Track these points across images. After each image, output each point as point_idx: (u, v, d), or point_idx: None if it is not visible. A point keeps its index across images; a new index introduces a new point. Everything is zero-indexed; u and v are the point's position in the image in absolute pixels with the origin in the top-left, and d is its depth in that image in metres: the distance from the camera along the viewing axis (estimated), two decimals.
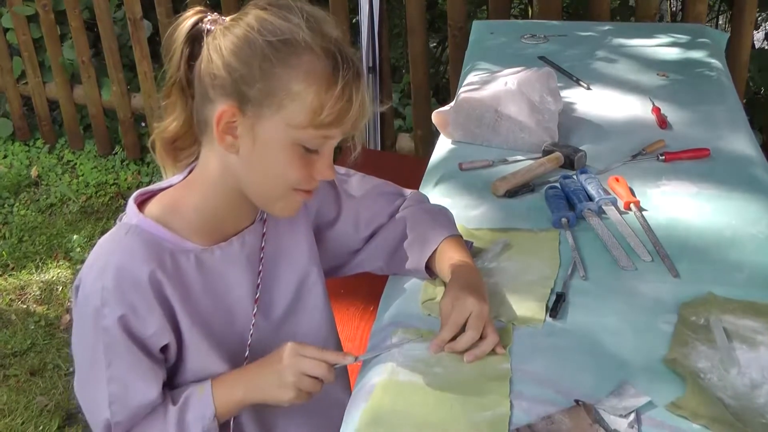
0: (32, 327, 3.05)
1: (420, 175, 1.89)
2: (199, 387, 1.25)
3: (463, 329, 1.24)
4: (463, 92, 1.95)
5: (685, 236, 1.52)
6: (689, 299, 1.34)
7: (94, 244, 1.24)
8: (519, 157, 1.84)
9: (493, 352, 1.23)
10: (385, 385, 1.19)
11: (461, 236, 1.44)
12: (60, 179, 4.09)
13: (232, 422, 1.31)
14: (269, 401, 1.25)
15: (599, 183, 1.67)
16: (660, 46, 2.42)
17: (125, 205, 1.27)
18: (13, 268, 3.43)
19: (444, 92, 4.07)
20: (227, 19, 1.19)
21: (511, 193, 1.69)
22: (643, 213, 1.59)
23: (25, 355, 2.91)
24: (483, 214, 1.63)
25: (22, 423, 2.61)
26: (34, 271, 3.40)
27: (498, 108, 1.88)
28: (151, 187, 1.30)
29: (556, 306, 1.33)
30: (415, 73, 3.40)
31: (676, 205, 1.63)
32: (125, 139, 4.14)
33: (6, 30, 4.24)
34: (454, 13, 3.21)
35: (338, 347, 1.49)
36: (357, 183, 1.47)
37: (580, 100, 2.10)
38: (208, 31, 1.18)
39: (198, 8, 1.21)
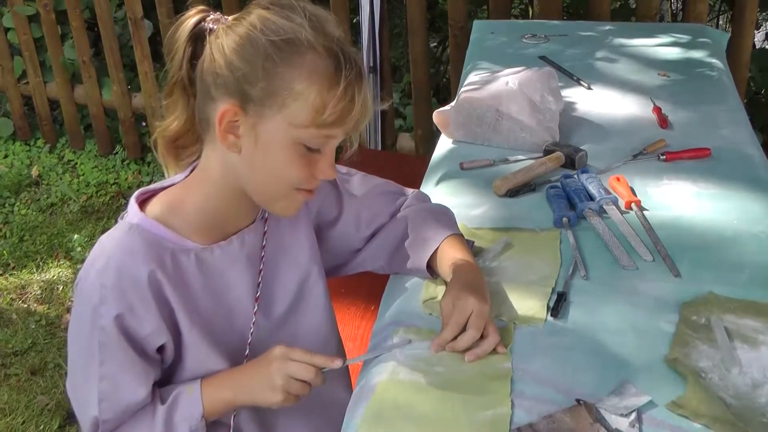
0: (33, 326, 3.05)
1: (420, 175, 1.89)
2: (188, 387, 1.25)
3: (464, 329, 1.24)
4: (464, 92, 1.96)
5: (686, 236, 1.52)
6: (690, 299, 1.34)
7: (95, 243, 1.25)
8: (520, 157, 1.85)
9: (494, 351, 1.23)
10: (387, 385, 1.19)
11: (462, 235, 1.44)
12: (61, 179, 4.09)
13: (231, 422, 1.32)
14: (258, 403, 1.26)
15: (600, 182, 1.67)
16: (661, 46, 2.42)
17: (126, 204, 1.27)
18: (13, 268, 3.43)
19: (444, 92, 4.08)
20: (230, 18, 1.19)
21: (512, 193, 1.69)
22: (644, 212, 1.59)
23: (26, 354, 2.92)
24: (484, 214, 1.64)
25: (23, 422, 2.61)
26: (34, 270, 3.40)
27: (499, 107, 1.88)
28: (153, 186, 1.30)
29: (557, 305, 1.33)
30: (415, 72, 3.40)
31: (677, 204, 1.63)
32: (126, 138, 4.14)
33: (7, 29, 4.24)
34: (455, 13, 3.21)
35: (339, 346, 1.49)
36: (358, 182, 1.47)
37: (581, 100, 2.10)
38: (211, 30, 1.18)
39: (200, 7, 1.21)
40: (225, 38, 1.16)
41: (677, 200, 1.64)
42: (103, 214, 3.81)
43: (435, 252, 1.39)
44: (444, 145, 1.97)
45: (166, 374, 1.29)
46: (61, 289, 3.26)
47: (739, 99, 2.15)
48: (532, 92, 1.88)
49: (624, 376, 1.19)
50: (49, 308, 3.15)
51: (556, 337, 1.28)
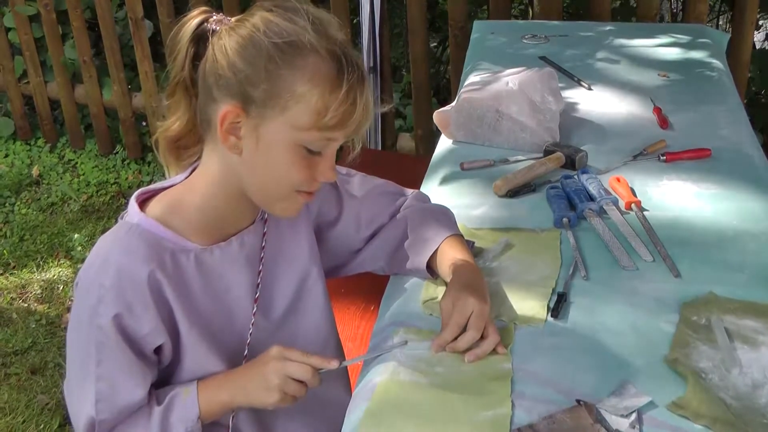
0: (33, 326, 3.05)
1: (420, 175, 1.89)
2: (184, 388, 1.25)
3: (464, 329, 1.24)
4: (465, 92, 1.96)
5: (687, 236, 1.52)
6: (690, 299, 1.34)
7: (95, 242, 1.25)
8: (520, 157, 1.85)
9: (494, 351, 1.24)
10: (387, 385, 1.19)
11: (462, 236, 1.44)
12: (61, 178, 4.09)
13: (230, 422, 1.32)
14: (254, 404, 1.26)
15: (600, 183, 1.67)
16: (661, 47, 2.42)
17: (126, 204, 1.27)
18: (14, 267, 3.43)
19: (444, 92, 4.07)
20: (233, 19, 1.19)
21: (513, 193, 1.69)
22: (645, 213, 1.59)
23: (26, 353, 2.91)
24: (484, 214, 1.64)
25: (23, 421, 2.61)
26: (35, 269, 3.40)
27: (499, 108, 1.88)
28: (153, 186, 1.30)
29: (558, 306, 1.33)
30: (416, 72, 3.40)
31: (677, 205, 1.63)
32: (126, 138, 4.14)
33: (8, 29, 4.24)
34: (455, 13, 3.21)
35: (338, 347, 1.49)
36: (358, 183, 1.47)
37: (582, 100, 2.10)
38: (214, 31, 1.18)
39: (203, 8, 1.21)
40: (228, 39, 1.16)
41: (677, 201, 1.65)
42: (103, 213, 3.81)
43: (435, 252, 1.39)
44: (444, 145, 1.97)
45: (165, 375, 1.29)
46: (61, 288, 3.26)
47: (739, 99, 2.15)
48: (533, 93, 1.88)
49: (624, 376, 1.19)
50: (49, 308, 3.15)
51: (556, 338, 1.28)
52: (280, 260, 1.35)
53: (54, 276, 3.34)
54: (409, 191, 1.53)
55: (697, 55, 2.35)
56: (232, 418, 1.32)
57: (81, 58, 4.03)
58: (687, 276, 1.41)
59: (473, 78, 2.10)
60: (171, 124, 1.27)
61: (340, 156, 1.28)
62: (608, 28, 2.62)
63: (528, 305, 1.34)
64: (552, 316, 1.32)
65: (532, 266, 1.45)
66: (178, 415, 1.23)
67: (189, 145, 1.29)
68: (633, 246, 1.49)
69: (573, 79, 2.22)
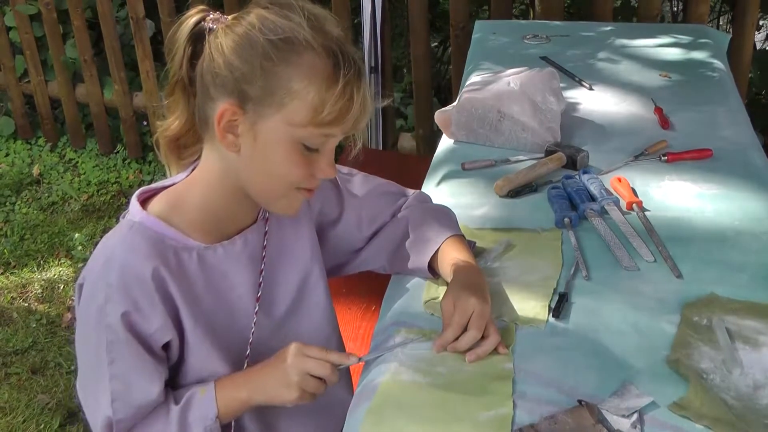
0: (33, 325, 3.05)
1: (422, 175, 1.89)
2: (201, 387, 1.25)
3: (465, 329, 1.24)
4: (466, 92, 1.95)
5: (688, 237, 1.52)
6: (692, 300, 1.34)
7: (96, 242, 1.25)
8: (521, 157, 1.85)
9: (495, 351, 1.24)
10: (388, 385, 1.19)
11: (464, 236, 1.44)
12: (62, 177, 4.09)
13: (233, 422, 1.31)
14: (274, 401, 1.25)
15: (602, 183, 1.67)
16: (662, 47, 2.42)
17: (127, 203, 1.27)
18: (14, 266, 3.43)
19: (445, 92, 4.07)
20: (229, 18, 1.19)
21: (514, 193, 1.69)
22: (646, 213, 1.59)
23: (27, 353, 2.91)
24: (485, 214, 1.64)
25: (24, 421, 2.61)
26: (35, 269, 3.40)
27: (500, 108, 1.88)
28: (154, 185, 1.30)
29: (559, 306, 1.33)
30: (417, 72, 3.40)
31: (678, 205, 1.63)
32: (127, 137, 4.14)
33: (9, 28, 4.24)
34: (456, 13, 3.21)
35: (340, 346, 1.49)
36: (360, 182, 1.47)
37: (583, 101, 2.10)
38: (210, 30, 1.18)
39: (200, 7, 1.21)
40: (224, 38, 1.16)
41: (679, 201, 1.64)
42: (104, 213, 3.81)
43: (436, 252, 1.39)
44: (445, 145, 1.97)
45: (170, 374, 1.28)
46: (61, 288, 3.26)
47: (741, 100, 2.15)
48: (534, 93, 1.88)
49: (625, 377, 1.19)
50: (49, 307, 3.15)
51: (557, 338, 1.28)
52: (282, 259, 1.35)
53: (54, 275, 3.34)
54: (411, 191, 1.53)
55: (698, 55, 2.35)
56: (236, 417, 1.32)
57: (82, 57, 4.03)
58: (688, 276, 1.41)
59: (474, 78, 2.10)
60: (170, 124, 1.27)
61: (342, 154, 1.28)
62: (609, 28, 2.62)
63: (529, 305, 1.34)
64: (553, 316, 1.32)
65: (533, 266, 1.44)
66: (197, 414, 1.23)
67: (189, 144, 1.29)
68: (634, 246, 1.49)
69: (574, 79, 2.22)
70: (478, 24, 2.73)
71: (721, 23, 4.21)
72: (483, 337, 1.23)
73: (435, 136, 3.08)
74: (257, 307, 1.32)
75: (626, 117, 2.01)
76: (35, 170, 4.15)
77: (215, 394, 1.24)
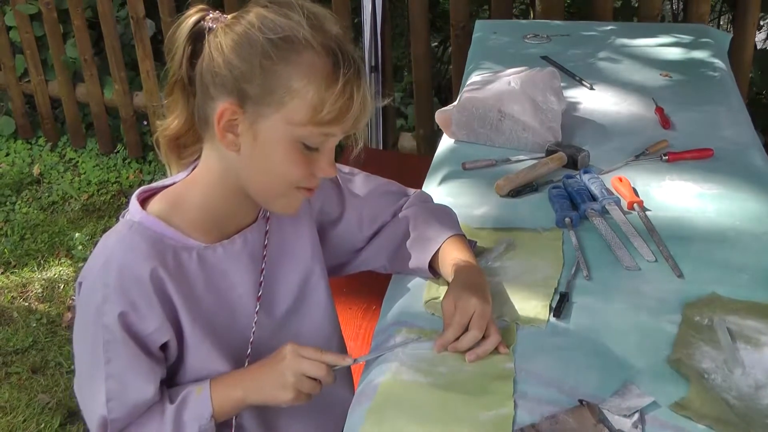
0: (34, 325, 3.05)
1: (422, 174, 1.89)
2: (197, 386, 1.25)
3: (466, 329, 1.24)
4: (467, 92, 1.95)
5: (689, 236, 1.52)
6: (693, 299, 1.34)
7: (96, 242, 1.24)
8: (522, 157, 1.84)
9: (496, 351, 1.23)
10: (389, 385, 1.19)
11: (465, 236, 1.44)
12: (62, 177, 4.09)
13: (234, 421, 1.31)
14: (269, 402, 1.25)
15: (602, 183, 1.67)
16: (663, 46, 2.42)
17: (127, 202, 1.27)
18: (15, 266, 3.43)
19: (446, 91, 4.07)
20: (229, 17, 1.19)
21: (515, 193, 1.69)
22: (647, 213, 1.59)
23: (27, 352, 2.91)
24: (486, 214, 1.63)
25: (24, 420, 2.61)
26: (35, 268, 3.40)
27: (501, 108, 1.88)
28: (154, 184, 1.30)
29: (560, 306, 1.33)
30: (417, 72, 3.40)
31: (679, 205, 1.63)
32: (127, 137, 4.14)
33: (9, 28, 4.24)
34: (457, 13, 3.21)
35: (341, 346, 1.49)
36: (361, 182, 1.47)
37: (584, 100, 2.10)
38: (210, 29, 1.18)
39: (200, 6, 1.21)
40: (223, 37, 1.16)
41: (680, 201, 1.64)
42: (104, 212, 3.81)
43: (437, 252, 1.39)
44: (446, 145, 1.97)
45: (169, 373, 1.29)
46: (62, 287, 3.26)
47: (741, 100, 2.15)
48: (535, 92, 1.88)
49: (627, 376, 1.19)
50: (50, 307, 3.15)
51: (558, 338, 1.28)
52: (283, 258, 1.35)
53: (55, 275, 3.34)
54: (412, 191, 1.53)
55: (699, 55, 2.35)
56: (236, 416, 1.31)
57: (82, 56, 4.03)
58: (689, 276, 1.41)
59: (475, 77, 2.10)
60: (170, 123, 1.27)
61: (343, 154, 1.28)
62: (610, 27, 2.62)
63: (530, 305, 1.34)
64: (554, 316, 1.32)
65: (534, 266, 1.44)
66: (192, 413, 1.23)
67: (189, 144, 1.29)
68: (635, 246, 1.49)
69: (575, 78, 2.22)
70: (479, 23, 2.73)
71: (721, 23, 4.20)
72: (484, 337, 1.23)
73: (435, 135, 3.07)
74: (258, 307, 1.32)
75: (627, 117, 2.01)
76: (35, 170, 4.15)
77: (210, 393, 1.24)
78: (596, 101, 2.10)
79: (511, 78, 1.93)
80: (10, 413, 2.64)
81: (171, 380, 1.29)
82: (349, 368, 1.37)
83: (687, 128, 1.93)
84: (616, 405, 1.13)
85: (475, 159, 1.84)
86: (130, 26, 3.85)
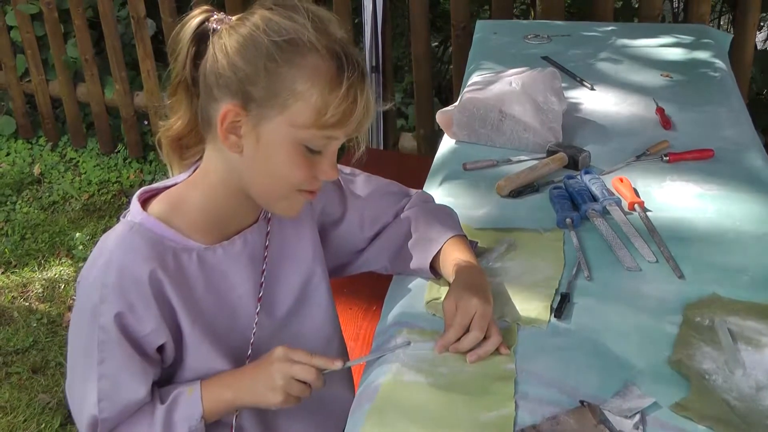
0: (34, 324, 3.05)
1: (423, 174, 1.89)
2: (188, 387, 1.25)
3: (467, 330, 1.24)
4: (468, 92, 1.95)
5: (690, 237, 1.52)
6: (694, 300, 1.34)
7: (97, 241, 1.25)
8: (523, 158, 1.84)
9: (497, 352, 1.23)
10: (390, 385, 1.19)
11: (466, 236, 1.44)
12: (62, 177, 4.09)
13: (233, 422, 1.31)
14: (258, 404, 1.25)
15: (603, 183, 1.67)
16: (664, 47, 2.42)
17: (128, 202, 1.27)
18: (15, 266, 3.43)
19: (446, 91, 4.08)
20: (233, 18, 1.19)
21: (516, 193, 1.69)
22: (648, 214, 1.59)
23: (27, 352, 2.92)
24: (487, 214, 1.63)
25: (24, 420, 2.61)
26: (36, 268, 3.40)
27: (502, 108, 1.88)
28: (156, 185, 1.30)
29: (561, 306, 1.33)
30: (417, 72, 3.40)
31: (680, 205, 1.63)
32: (128, 137, 4.14)
33: (10, 28, 4.24)
34: (457, 13, 3.21)
35: (342, 346, 1.49)
36: (362, 183, 1.47)
37: (584, 101, 2.10)
38: (214, 30, 1.18)
39: (204, 7, 1.21)
40: (228, 38, 1.16)
41: (680, 201, 1.64)
42: (104, 212, 3.81)
43: (438, 252, 1.39)
44: (447, 145, 1.97)
45: (168, 374, 1.29)
46: (62, 287, 3.26)
47: (742, 100, 2.15)
48: (536, 93, 1.88)
49: (627, 377, 1.19)
50: (50, 306, 3.15)
51: (559, 339, 1.28)
52: (284, 259, 1.35)
53: (55, 275, 3.34)
54: (413, 191, 1.53)
55: (700, 55, 2.35)
56: (236, 417, 1.32)
57: (83, 56, 4.04)
58: (690, 277, 1.41)
59: (476, 78, 2.10)
60: (173, 124, 1.27)
61: (344, 156, 1.28)
62: (611, 28, 2.62)
63: (531, 306, 1.34)
64: (555, 316, 1.32)
65: (535, 267, 1.44)
66: (182, 414, 1.23)
67: (191, 145, 1.29)
68: (636, 247, 1.49)
69: (576, 79, 2.22)
70: (479, 24, 2.73)
71: (722, 23, 4.20)
72: (485, 338, 1.23)
73: (436, 135, 3.08)
74: (259, 308, 1.32)
75: (628, 117, 2.01)
76: (36, 169, 4.15)
77: (201, 394, 1.24)
78: (597, 102, 2.10)
79: (512, 78, 1.93)
80: (11, 413, 2.64)
81: (171, 380, 1.29)
82: (349, 369, 1.37)
83: (687, 129, 1.93)
84: (617, 406, 1.13)
85: (476, 159, 1.84)
86: (130, 26, 3.85)
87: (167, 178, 1.33)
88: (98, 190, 3.98)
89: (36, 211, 3.84)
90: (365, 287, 2.07)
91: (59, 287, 3.26)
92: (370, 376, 1.25)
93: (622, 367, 1.21)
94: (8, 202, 3.91)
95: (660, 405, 1.13)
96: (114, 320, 1.18)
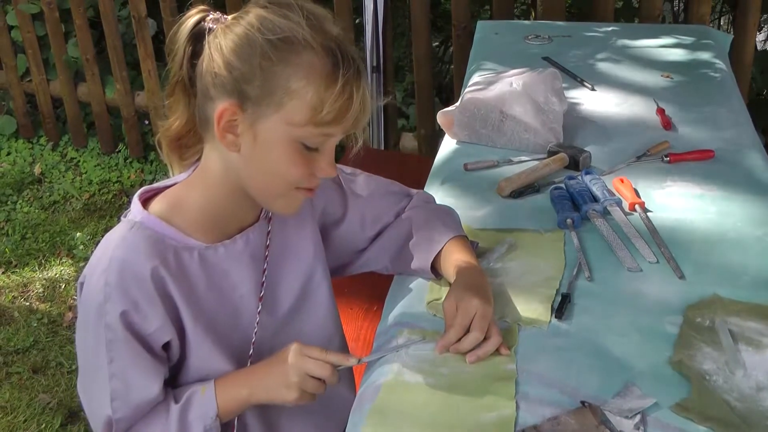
0: (35, 324, 3.05)
1: (423, 174, 1.89)
2: (201, 386, 1.25)
3: (468, 330, 1.24)
4: (469, 92, 1.96)
5: (690, 238, 1.52)
6: (694, 301, 1.34)
7: (97, 241, 1.25)
8: (524, 158, 1.85)
9: (497, 352, 1.23)
10: (391, 386, 1.19)
11: (467, 237, 1.44)
12: (63, 177, 4.09)
13: (236, 421, 1.32)
14: (273, 401, 1.26)
15: (604, 184, 1.67)
16: (664, 47, 2.42)
17: (129, 202, 1.27)
18: (16, 266, 3.43)
19: (447, 92, 4.08)
20: (229, 17, 1.19)
21: (516, 194, 1.69)
22: (648, 214, 1.59)
23: (28, 352, 2.92)
24: (488, 215, 1.64)
25: (25, 420, 2.61)
26: (36, 268, 3.40)
27: (503, 108, 1.88)
28: (156, 184, 1.30)
29: (562, 307, 1.33)
30: (418, 72, 3.40)
31: (681, 206, 1.63)
32: (128, 137, 4.14)
33: (11, 27, 4.24)
34: (458, 13, 3.21)
35: (343, 346, 1.49)
36: (363, 182, 1.47)
37: (585, 101, 2.10)
38: (210, 29, 1.19)
39: (201, 7, 1.21)
40: (223, 38, 1.16)
41: (681, 202, 1.64)
42: (105, 212, 3.81)
43: (439, 253, 1.39)
44: (448, 145, 1.97)
45: (171, 373, 1.29)
46: (63, 287, 3.26)
47: (742, 100, 2.15)
48: (536, 93, 1.88)
49: (628, 378, 1.19)
50: (51, 306, 3.15)
51: (560, 339, 1.28)
52: (286, 258, 1.35)
53: (56, 275, 3.34)
54: (414, 191, 1.53)
55: (700, 56, 2.35)
56: (239, 416, 1.32)
57: (84, 56, 4.04)
58: (691, 278, 1.41)
59: (477, 78, 2.10)
60: (171, 124, 1.28)
61: (343, 154, 1.28)
62: (611, 28, 2.62)
63: (532, 306, 1.34)
64: (556, 317, 1.32)
65: (535, 267, 1.44)
66: (197, 413, 1.23)
67: (191, 144, 1.30)
68: (637, 247, 1.49)
69: (576, 79, 2.22)
70: (480, 24, 2.73)
71: (722, 24, 4.20)
72: (485, 339, 1.23)
73: (436, 136, 3.08)
74: (260, 307, 1.32)
75: (628, 117, 2.01)
76: (37, 169, 4.15)
77: (215, 393, 1.24)
78: (597, 102, 2.10)
79: (512, 79, 1.93)
80: (11, 413, 2.64)
81: (173, 380, 1.29)
82: (350, 368, 1.37)
83: (688, 129, 1.93)
84: (617, 406, 1.13)
85: (476, 160, 1.84)
86: (131, 25, 3.85)
87: (168, 177, 1.33)
88: (99, 190, 3.98)
89: (37, 210, 3.84)
90: (366, 287, 2.07)
91: (60, 287, 3.26)
92: (372, 377, 1.25)
93: (622, 367, 1.21)
94: (9, 202, 3.91)
95: (661, 405, 1.13)
96: (120, 318, 1.18)
